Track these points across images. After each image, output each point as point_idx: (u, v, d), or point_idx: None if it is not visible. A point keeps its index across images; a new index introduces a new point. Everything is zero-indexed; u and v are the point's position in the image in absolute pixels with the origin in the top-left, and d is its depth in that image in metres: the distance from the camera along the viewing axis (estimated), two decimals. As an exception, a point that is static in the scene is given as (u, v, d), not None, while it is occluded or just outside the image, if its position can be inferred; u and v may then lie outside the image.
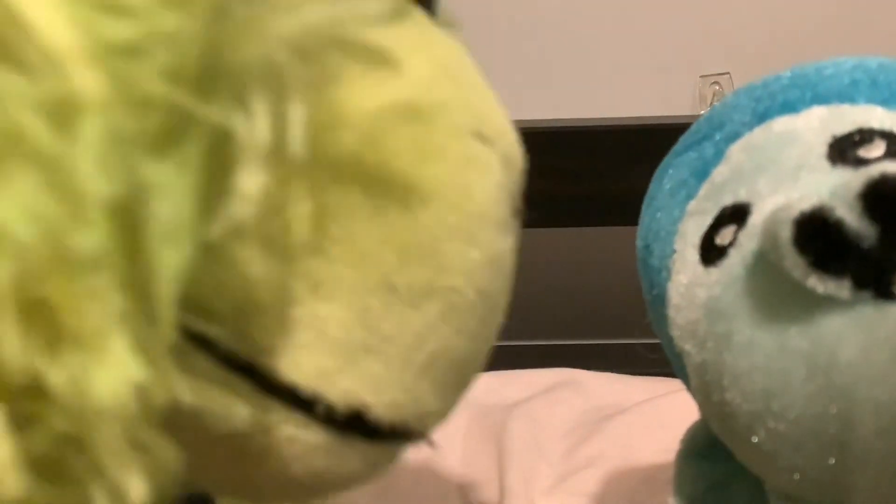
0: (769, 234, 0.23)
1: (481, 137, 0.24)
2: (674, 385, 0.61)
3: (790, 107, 0.31)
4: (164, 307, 0.17)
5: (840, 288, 0.22)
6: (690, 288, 0.30)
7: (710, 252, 0.29)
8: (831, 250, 0.22)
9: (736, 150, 0.31)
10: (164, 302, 0.17)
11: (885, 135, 0.27)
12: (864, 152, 0.26)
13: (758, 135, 0.31)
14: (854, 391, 0.23)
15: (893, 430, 0.23)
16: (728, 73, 0.70)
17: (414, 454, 0.54)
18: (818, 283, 0.23)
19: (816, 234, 0.22)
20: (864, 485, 0.25)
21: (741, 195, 0.29)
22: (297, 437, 0.22)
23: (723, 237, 0.29)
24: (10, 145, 0.15)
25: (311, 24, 0.19)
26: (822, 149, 0.27)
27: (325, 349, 0.21)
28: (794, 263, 0.23)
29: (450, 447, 0.55)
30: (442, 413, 0.25)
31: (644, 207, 0.36)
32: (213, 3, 0.18)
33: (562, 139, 0.65)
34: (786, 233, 0.22)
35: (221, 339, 0.20)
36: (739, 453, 0.29)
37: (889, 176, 0.21)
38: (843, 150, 0.26)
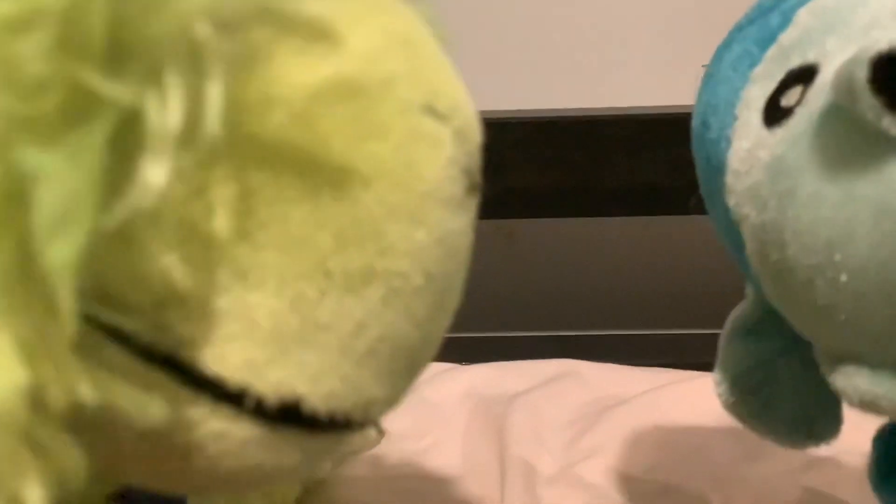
0: (843, 78, 0.23)
1: (432, 112, 0.23)
2: (676, 376, 0.61)
3: None
4: (61, 300, 0.16)
5: None
6: (753, 151, 0.29)
7: (776, 113, 0.28)
8: None
9: (804, 14, 0.30)
10: (60, 295, 0.16)
11: None
12: None
13: None
14: None
15: None
16: (730, 62, 0.70)
17: (414, 445, 0.54)
18: (893, 125, 0.22)
19: (894, 74, 0.22)
20: None
21: (809, 57, 0.28)
22: (227, 431, 0.21)
23: (788, 98, 0.28)
24: None
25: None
26: (894, 6, 0.26)
27: (254, 340, 0.20)
28: (869, 105, 0.22)
29: (450, 439, 0.55)
30: (389, 401, 0.24)
31: (702, 85, 0.35)
32: None
33: (566, 130, 0.65)
34: (862, 73, 0.22)
35: (138, 332, 0.19)
36: (795, 314, 0.29)
37: None
38: None
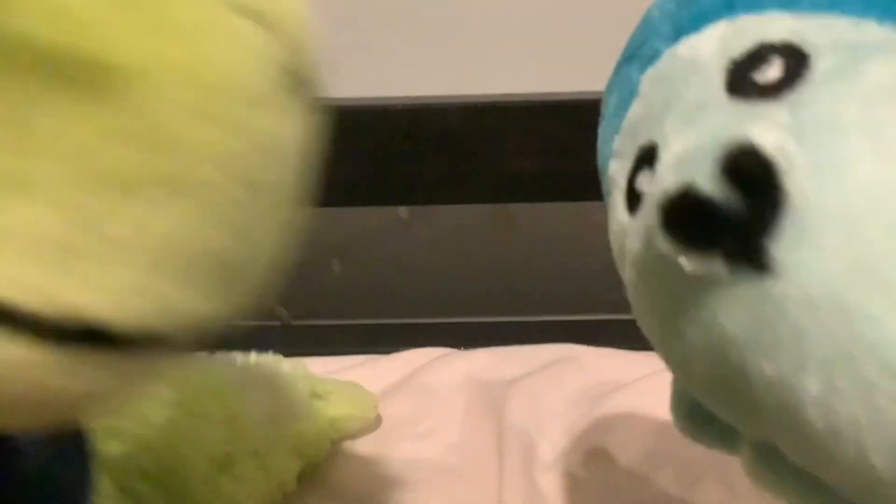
0: (644, 227, 0.23)
1: (240, 9, 0.21)
2: (674, 361, 0.61)
3: (703, 18, 0.26)
4: None
5: (714, 265, 0.21)
6: (620, 237, 0.28)
7: (633, 198, 0.27)
8: (701, 229, 0.21)
9: (647, 82, 0.28)
10: None
11: (783, 49, 0.23)
12: (760, 76, 0.23)
13: (665, 62, 0.27)
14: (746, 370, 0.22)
15: (789, 404, 0.21)
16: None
17: (412, 430, 0.54)
18: (691, 264, 0.21)
19: (684, 215, 0.21)
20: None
21: (652, 136, 0.26)
22: (10, 355, 0.19)
23: (640, 182, 0.26)
24: None
25: None
26: (720, 77, 0.24)
27: (31, 256, 0.18)
28: (667, 248, 0.21)
29: (448, 424, 0.55)
30: (211, 316, 0.22)
31: (599, 125, 0.33)
32: None
33: (565, 113, 0.64)
34: (654, 220, 0.21)
35: None
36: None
37: (744, 146, 0.20)
38: (740, 77, 0.24)
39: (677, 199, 0.20)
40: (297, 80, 0.23)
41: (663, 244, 0.21)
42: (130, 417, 0.38)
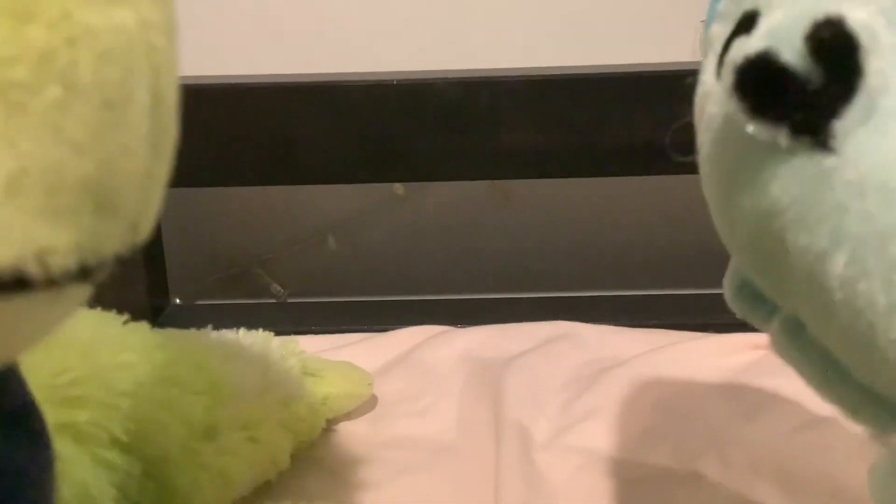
0: (724, 82, 0.23)
1: None
2: (673, 337, 0.61)
3: None
4: None
5: (778, 134, 0.21)
6: (704, 99, 0.27)
7: (723, 63, 0.26)
8: (772, 96, 0.21)
9: None
10: None
11: None
12: None
13: None
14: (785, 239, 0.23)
15: (817, 276, 0.22)
16: (729, 18, 0.68)
17: (409, 408, 0.54)
18: (757, 129, 0.21)
19: (759, 80, 0.21)
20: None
21: (757, 2, 0.25)
22: None
23: (734, 47, 0.25)
24: None
25: None
26: None
27: None
28: (736, 108, 0.22)
29: (446, 402, 0.54)
30: (82, 245, 0.19)
31: None
32: None
33: (562, 88, 0.64)
34: (728, 78, 0.22)
35: None
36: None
37: (832, 18, 0.20)
38: None
39: (756, 62, 0.21)
40: None
41: (733, 106, 0.21)
42: (93, 386, 0.38)
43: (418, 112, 0.65)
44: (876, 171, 0.20)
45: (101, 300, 0.41)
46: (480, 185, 0.75)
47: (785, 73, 0.20)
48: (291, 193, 0.76)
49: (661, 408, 0.53)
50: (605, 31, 0.69)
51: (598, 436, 0.51)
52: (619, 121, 0.63)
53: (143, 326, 0.45)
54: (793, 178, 0.22)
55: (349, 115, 0.65)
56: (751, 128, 0.21)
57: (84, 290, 0.20)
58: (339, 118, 0.65)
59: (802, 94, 0.20)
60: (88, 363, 0.38)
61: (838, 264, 0.21)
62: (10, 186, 0.18)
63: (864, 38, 0.20)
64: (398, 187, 0.75)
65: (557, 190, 0.75)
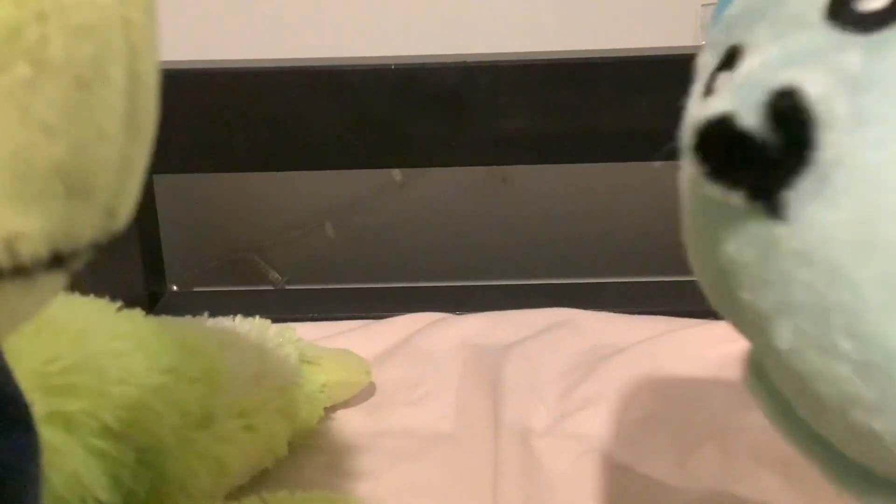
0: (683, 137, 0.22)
1: None
2: (672, 324, 0.60)
3: None
4: None
5: (734, 197, 0.21)
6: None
7: (708, 95, 0.25)
8: (729, 161, 0.21)
9: None
10: None
11: None
12: (863, 5, 0.22)
13: None
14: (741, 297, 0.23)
15: (767, 337, 0.22)
16: (731, 2, 0.68)
17: (407, 396, 0.54)
18: (713, 191, 0.21)
19: (717, 145, 0.21)
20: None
21: (742, 38, 0.25)
22: None
23: (718, 81, 0.25)
24: None
25: None
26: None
27: None
28: (695, 170, 0.21)
29: (444, 389, 0.54)
30: (53, 232, 0.18)
31: None
32: None
33: (559, 72, 0.63)
34: (688, 139, 0.21)
35: None
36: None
37: (789, 89, 0.20)
38: (844, 4, 0.22)
39: (715, 126, 0.20)
40: None
41: (694, 166, 0.21)
42: (86, 374, 0.37)
43: (416, 97, 0.64)
44: (822, 245, 0.20)
45: (97, 287, 0.41)
46: (479, 171, 0.75)
47: (743, 138, 0.20)
48: (289, 180, 0.75)
49: (661, 395, 0.53)
50: (605, 16, 0.68)
51: (598, 424, 0.51)
52: (620, 106, 0.62)
53: (136, 314, 0.44)
54: (747, 241, 0.22)
55: (347, 100, 0.65)
56: (708, 189, 0.21)
57: (59, 279, 0.19)
58: (337, 103, 0.65)
59: (759, 161, 0.20)
60: (81, 351, 0.38)
61: (784, 331, 0.21)
62: None
63: (819, 112, 0.19)
64: (396, 174, 0.75)
65: (557, 176, 0.74)
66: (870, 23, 0.21)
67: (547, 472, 0.47)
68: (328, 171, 0.73)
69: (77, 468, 0.35)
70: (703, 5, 0.67)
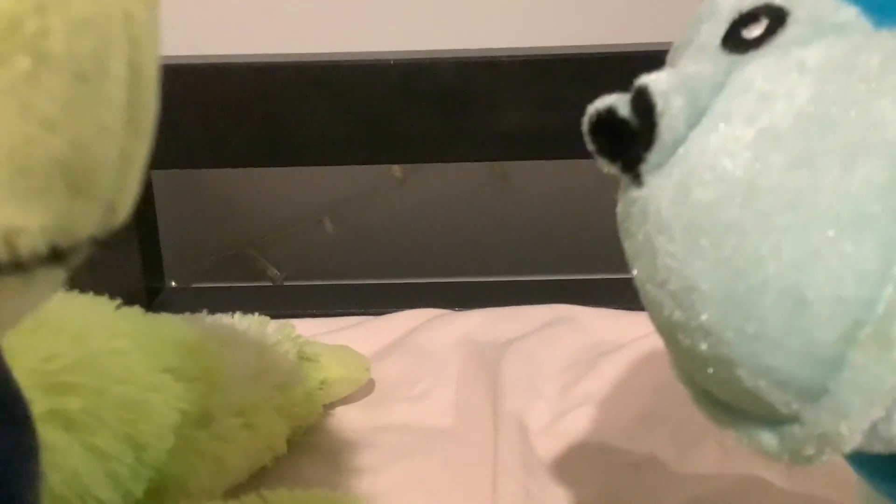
0: None
1: None
2: (672, 320, 0.60)
3: None
4: None
5: (613, 169, 0.27)
6: None
7: None
8: (613, 140, 0.27)
9: (692, 17, 0.32)
10: None
11: (775, 11, 0.27)
12: (747, 32, 0.27)
13: (707, 2, 0.31)
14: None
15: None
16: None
17: (406, 392, 0.54)
18: (603, 165, 0.28)
19: (602, 128, 0.27)
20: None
21: (675, 64, 0.30)
22: None
23: None
24: None
25: None
26: (725, 27, 0.28)
27: None
28: (591, 148, 0.28)
29: (443, 386, 0.54)
30: (55, 228, 0.18)
31: None
32: None
33: (560, 68, 0.63)
34: (584, 125, 0.27)
35: None
36: None
37: (641, 87, 0.26)
38: (734, 30, 0.28)
39: (601, 115, 0.27)
40: None
41: (590, 145, 0.27)
42: (85, 372, 0.37)
43: (416, 93, 0.64)
44: (654, 202, 0.26)
45: (95, 283, 0.41)
46: (479, 167, 0.75)
47: (620, 124, 0.26)
48: (288, 175, 0.75)
49: (660, 392, 0.52)
50: (603, 11, 0.68)
51: (597, 420, 0.51)
52: (619, 102, 0.62)
53: (135, 311, 0.44)
54: (622, 203, 0.29)
55: (346, 95, 0.64)
56: (599, 163, 0.28)
57: (57, 275, 0.19)
58: (336, 99, 0.65)
59: (628, 141, 0.26)
60: (80, 349, 0.38)
61: (637, 271, 0.28)
62: None
63: (659, 102, 0.25)
64: (396, 169, 0.75)
65: (556, 171, 0.74)
66: (744, 46, 0.27)
67: (546, 468, 0.47)
68: (327, 167, 0.73)
69: (76, 467, 0.35)
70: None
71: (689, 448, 0.48)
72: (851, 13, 0.26)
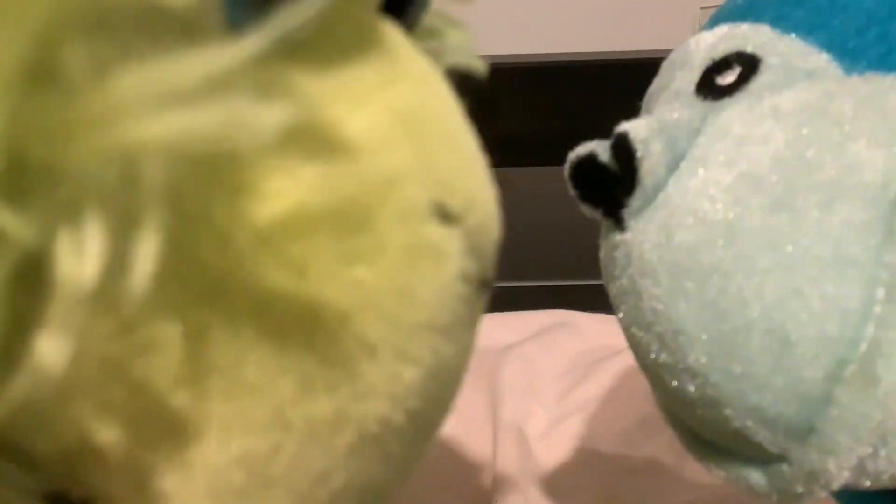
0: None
1: (441, 213, 0.19)
2: (670, 326, 0.60)
3: (718, 19, 0.30)
4: None
5: (595, 214, 0.28)
6: None
7: None
8: (595, 186, 0.27)
9: (665, 62, 0.32)
10: None
11: (748, 58, 0.28)
12: (720, 79, 0.28)
13: (681, 48, 0.31)
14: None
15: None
16: (730, 5, 0.68)
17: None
18: (585, 209, 0.28)
19: (584, 174, 0.27)
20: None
21: (650, 110, 0.30)
22: None
23: None
24: None
25: (183, 130, 0.13)
26: (698, 73, 0.28)
27: (192, 496, 0.17)
28: (573, 193, 0.28)
29: (442, 390, 0.54)
30: None
31: None
32: (28, 73, 0.13)
33: (558, 74, 0.63)
34: (566, 171, 0.28)
35: (41, 484, 0.16)
36: None
37: (621, 134, 0.26)
38: (708, 76, 0.28)
39: (583, 160, 0.27)
40: (483, 281, 0.21)
41: (571, 191, 0.28)
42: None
43: (416, 99, 0.64)
44: (638, 245, 0.26)
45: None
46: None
47: (601, 170, 0.27)
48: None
49: (659, 397, 0.53)
50: (603, 18, 0.68)
51: (595, 426, 0.51)
52: (619, 108, 0.62)
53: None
54: (605, 247, 0.29)
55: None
56: (581, 207, 0.28)
57: None
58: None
59: (610, 186, 0.27)
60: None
61: (621, 315, 0.29)
62: (331, 499, 0.19)
63: (639, 148, 0.26)
64: (396, 175, 0.75)
65: (558, 178, 0.74)
66: (719, 93, 0.27)
67: (545, 473, 0.47)
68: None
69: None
70: (701, 8, 0.67)
71: (687, 454, 0.48)
72: (822, 59, 0.26)
